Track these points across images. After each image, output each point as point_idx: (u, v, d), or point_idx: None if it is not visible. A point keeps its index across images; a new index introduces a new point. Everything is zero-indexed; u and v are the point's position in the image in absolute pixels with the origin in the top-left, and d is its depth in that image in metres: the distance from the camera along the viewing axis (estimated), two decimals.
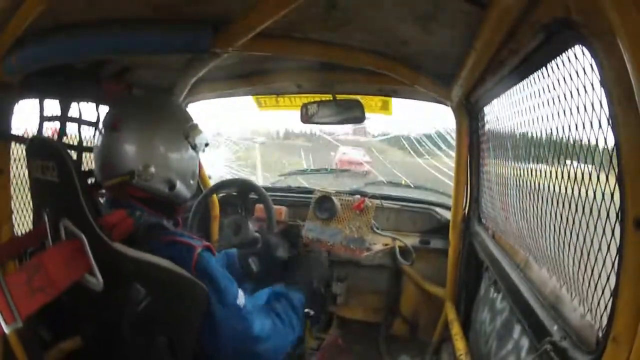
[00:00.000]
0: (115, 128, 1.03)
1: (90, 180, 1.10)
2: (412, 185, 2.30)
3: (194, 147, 1.13)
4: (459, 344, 1.33)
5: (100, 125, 1.10)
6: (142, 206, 1.04)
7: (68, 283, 0.84)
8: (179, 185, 1.10)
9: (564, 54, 0.70)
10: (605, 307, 0.62)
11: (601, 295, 0.65)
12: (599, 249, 0.65)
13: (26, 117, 1.27)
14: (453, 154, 1.65)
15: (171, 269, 0.92)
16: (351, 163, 7.42)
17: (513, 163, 1.09)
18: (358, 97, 1.74)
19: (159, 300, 0.92)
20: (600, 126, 0.61)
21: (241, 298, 1.00)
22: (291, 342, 1.15)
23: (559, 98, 0.76)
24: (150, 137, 1.05)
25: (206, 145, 1.18)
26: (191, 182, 1.15)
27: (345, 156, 8.23)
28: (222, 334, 0.97)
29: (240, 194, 1.85)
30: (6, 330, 0.76)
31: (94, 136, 1.25)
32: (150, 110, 1.11)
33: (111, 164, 1.03)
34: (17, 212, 1.29)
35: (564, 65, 0.72)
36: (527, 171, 0.97)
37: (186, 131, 1.10)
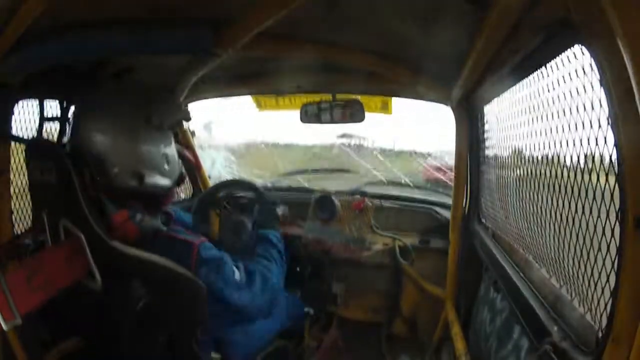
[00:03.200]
0: (75, 129, 1.01)
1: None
2: (411, 185, 2.30)
3: (160, 127, 1.06)
4: (459, 344, 1.33)
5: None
6: (136, 204, 1.02)
7: (68, 282, 0.85)
8: (149, 177, 1.03)
9: (563, 54, 0.70)
10: (605, 307, 0.62)
11: (601, 295, 0.64)
12: (599, 248, 0.64)
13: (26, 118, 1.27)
14: None
15: (170, 267, 0.92)
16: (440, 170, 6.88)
17: (512, 162, 1.09)
18: (358, 97, 1.74)
19: (158, 298, 0.93)
20: (600, 126, 0.62)
21: (237, 274, 1.08)
22: (278, 272, 1.27)
23: (559, 98, 0.76)
24: (106, 134, 0.99)
25: (192, 133, 1.15)
26: (165, 167, 1.07)
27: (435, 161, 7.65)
28: (233, 304, 1.07)
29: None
30: (5, 327, 0.76)
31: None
32: (104, 105, 1.04)
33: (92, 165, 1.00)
34: (17, 212, 1.29)
35: (563, 65, 0.72)
36: (527, 170, 0.97)
37: (147, 115, 1.04)
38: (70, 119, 1.06)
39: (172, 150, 1.11)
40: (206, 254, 1.00)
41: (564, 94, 0.73)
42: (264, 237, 1.37)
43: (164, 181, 1.08)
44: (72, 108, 1.19)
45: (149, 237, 0.97)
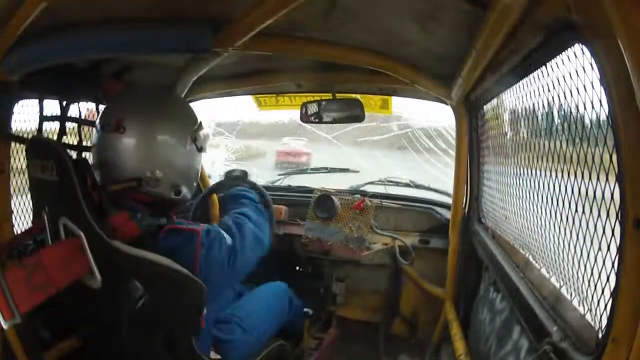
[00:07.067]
0: (119, 129, 1.00)
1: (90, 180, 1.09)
2: (412, 185, 2.30)
3: (200, 149, 1.11)
4: (459, 344, 1.33)
5: (98, 123, 1.06)
6: (142, 208, 1.03)
7: (67, 282, 0.85)
8: (184, 189, 1.09)
9: (564, 54, 0.70)
10: (605, 307, 0.62)
11: (601, 296, 0.64)
12: (599, 248, 0.64)
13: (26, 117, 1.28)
14: None
15: (169, 266, 0.92)
16: (288, 154, 7.32)
17: (513, 162, 1.09)
18: (358, 96, 1.74)
19: (157, 298, 0.93)
20: (600, 125, 0.61)
21: (229, 240, 1.08)
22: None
23: (559, 97, 0.76)
24: (158, 141, 1.02)
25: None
26: (194, 184, 1.15)
27: (284, 147, 7.88)
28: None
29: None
30: (4, 325, 0.76)
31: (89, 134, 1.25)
32: (156, 109, 1.07)
33: (116, 167, 1.01)
34: (17, 211, 1.29)
35: (564, 64, 0.72)
36: (527, 170, 0.97)
37: (194, 133, 1.08)
38: (111, 116, 1.04)
39: (200, 169, 1.18)
40: (209, 238, 1.03)
41: (564, 93, 0.73)
42: (230, 195, 1.36)
43: (189, 194, 1.14)
44: (92, 105, 1.25)
45: (152, 233, 0.98)
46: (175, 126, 1.07)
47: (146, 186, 1.01)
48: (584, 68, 0.64)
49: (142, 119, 1.03)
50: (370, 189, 2.17)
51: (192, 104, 1.89)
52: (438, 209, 1.96)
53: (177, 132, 1.06)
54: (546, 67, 0.79)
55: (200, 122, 1.12)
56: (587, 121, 0.66)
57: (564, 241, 0.78)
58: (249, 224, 1.15)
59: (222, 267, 1.04)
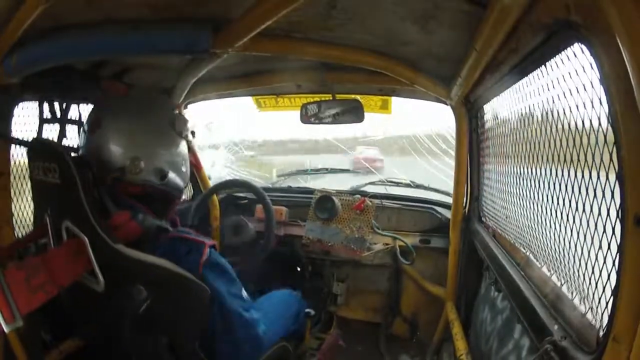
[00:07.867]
0: (96, 127, 1.02)
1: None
2: (412, 185, 2.30)
3: (180, 135, 1.11)
4: (460, 344, 1.33)
5: (85, 127, 1.08)
6: (140, 205, 1.03)
7: (68, 282, 0.84)
8: (171, 175, 1.08)
9: (563, 53, 0.70)
10: (606, 306, 0.62)
11: (602, 294, 0.64)
12: (600, 247, 0.64)
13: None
14: None
15: (173, 269, 0.92)
16: (364, 160, 7.75)
17: (513, 161, 1.09)
18: (358, 96, 1.74)
19: (160, 301, 0.92)
20: (600, 124, 0.62)
21: (244, 291, 1.07)
22: (284, 328, 1.26)
23: (559, 97, 0.76)
24: (134, 130, 1.03)
25: (192, 133, 1.17)
26: (183, 169, 1.13)
27: (361, 155, 8.38)
28: (234, 321, 1.02)
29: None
30: (6, 329, 0.75)
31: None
32: (131, 104, 1.10)
33: (99, 163, 1.01)
34: (18, 214, 1.29)
35: (563, 64, 0.72)
36: (527, 169, 0.97)
37: (171, 119, 1.09)
38: (91, 118, 1.07)
39: (187, 156, 1.16)
40: (217, 258, 1.02)
41: (564, 92, 0.73)
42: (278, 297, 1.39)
43: (180, 182, 1.13)
44: (91, 107, 1.24)
45: (153, 235, 0.98)
46: (149, 113, 1.08)
47: (129, 174, 1.01)
48: (583, 68, 0.64)
49: (115, 112, 1.05)
50: (370, 189, 2.17)
51: (192, 105, 1.92)
52: (438, 208, 1.96)
53: (151, 118, 1.07)
54: (546, 67, 0.79)
55: (178, 111, 1.16)
56: (586, 120, 0.66)
57: (564, 240, 0.78)
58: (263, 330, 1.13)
59: (224, 300, 1.02)
